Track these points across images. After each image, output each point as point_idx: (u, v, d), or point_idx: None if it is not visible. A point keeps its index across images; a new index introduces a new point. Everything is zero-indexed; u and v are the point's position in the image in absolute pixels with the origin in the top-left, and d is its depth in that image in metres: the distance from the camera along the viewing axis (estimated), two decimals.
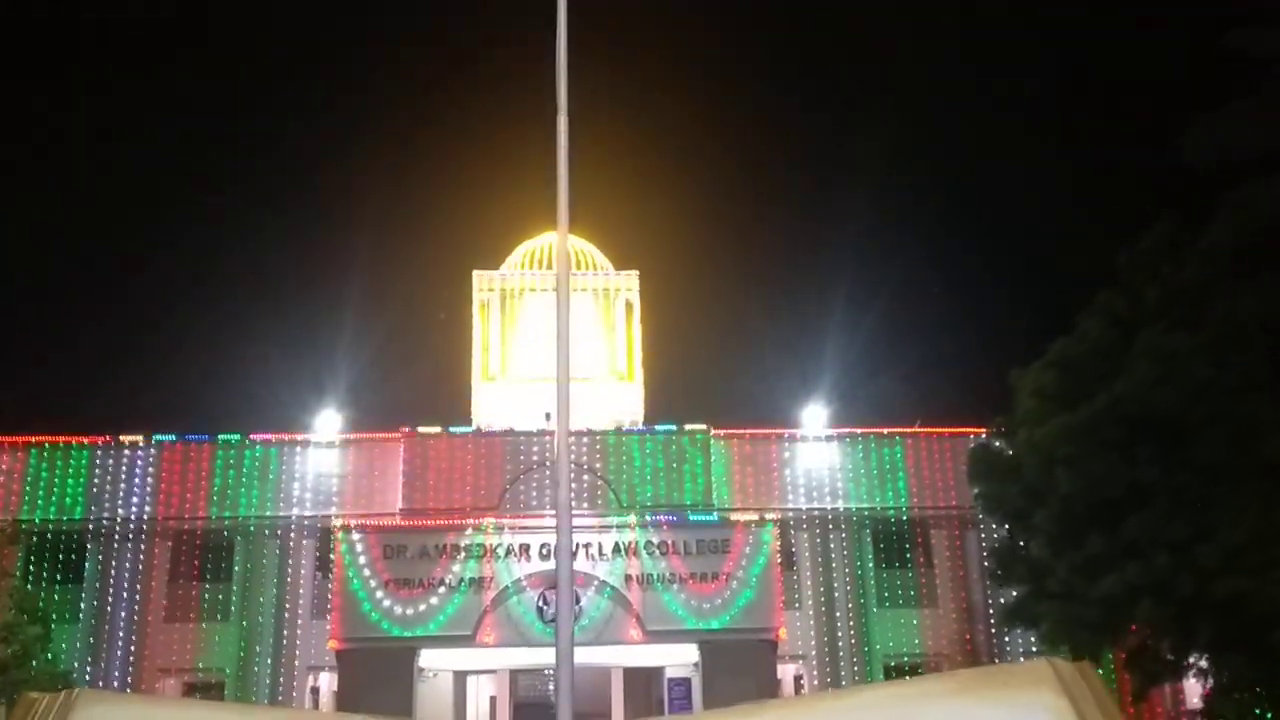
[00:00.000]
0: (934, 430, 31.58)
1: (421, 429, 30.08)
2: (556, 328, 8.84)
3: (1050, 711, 1.68)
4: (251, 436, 30.61)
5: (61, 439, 30.39)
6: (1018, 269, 61.16)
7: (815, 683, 29.14)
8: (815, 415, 31.91)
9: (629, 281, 35.06)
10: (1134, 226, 22.28)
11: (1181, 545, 18.21)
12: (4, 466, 29.72)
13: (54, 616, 28.24)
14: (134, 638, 28.65)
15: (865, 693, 1.78)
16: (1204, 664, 23.19)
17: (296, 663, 28.56)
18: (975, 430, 30.41)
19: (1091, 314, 21.34)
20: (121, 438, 30.39)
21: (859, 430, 31.41)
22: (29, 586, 28.82)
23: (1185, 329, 19.33)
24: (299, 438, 30.63)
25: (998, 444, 23.49)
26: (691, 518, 25.56)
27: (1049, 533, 20.15)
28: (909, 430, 31.55)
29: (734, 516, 25.75)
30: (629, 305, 34.84)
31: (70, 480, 29.98)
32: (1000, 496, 21.93)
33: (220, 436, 30.60)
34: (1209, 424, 18.22)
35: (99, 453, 30.25)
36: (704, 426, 30.34)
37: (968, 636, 29.82)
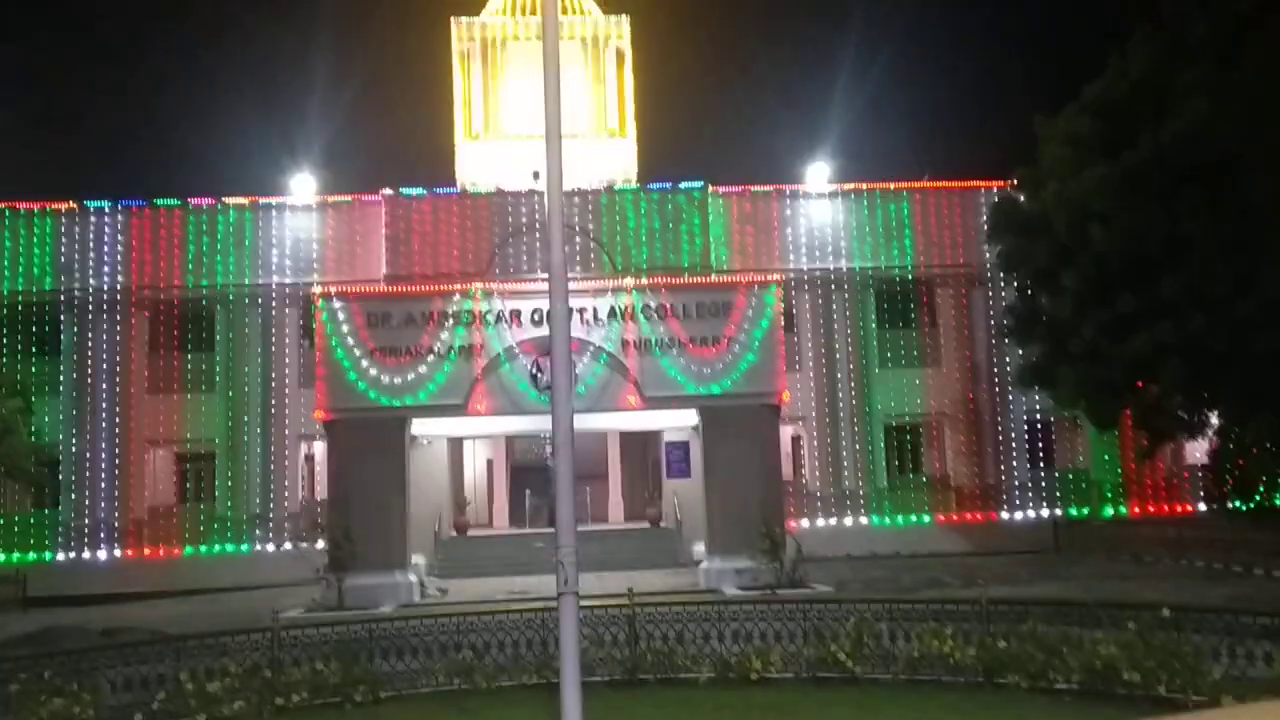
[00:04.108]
0: (943, 185, 30.06)
1: (404, 190, 28.48)
2: (544, 75, 7.25)
3: None
4: (224, 200, 29.05)
5: (23, 205, 28.77)
6: (1033, 16, 57.85)
7: (815, 444, 28.84)
8: (819, 171, 30.44)
9: (619, 27, 32.61)
10: None
11: (1220, 301, 17.13)
12: None
13: (34, 390, 27.51)
14: (118, 409, 27.94)
15: None
16: (1215, 421, 22.76)
17: (287, 432, 28.07)
18: (988, 184, 28.92)
19: (1130, 53, 19.44)
20: (87, 204, 28.78)
21: (864, 186, 29.90)
22: (3, 359, 27.97)
23: (1235, 65, 17.59)
24: (275, 201, 29.11)
25: (1021, 198, 21.98)
26: (691, 279, 24.35)
27: (1076, 291, 18.98)
28: (916, 185, 30.03)
29: (736, 278, 24.51)
30: (619, 54, 32.52)
31: (36, 250, 28.56)
32: (1024, 253, 20.64)
33: (191, 201, 29.05)
34: (1262, 160, 16.70)
35: (64, 220, 28.70)
36: (701, 184, 28.83)
37: (970, 396, 29.31)
